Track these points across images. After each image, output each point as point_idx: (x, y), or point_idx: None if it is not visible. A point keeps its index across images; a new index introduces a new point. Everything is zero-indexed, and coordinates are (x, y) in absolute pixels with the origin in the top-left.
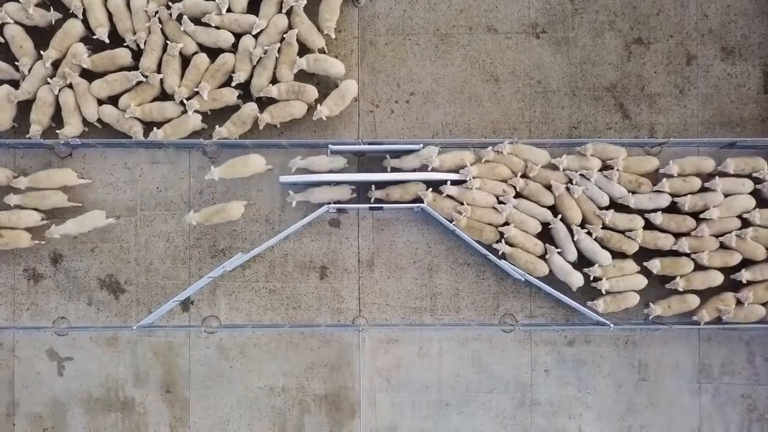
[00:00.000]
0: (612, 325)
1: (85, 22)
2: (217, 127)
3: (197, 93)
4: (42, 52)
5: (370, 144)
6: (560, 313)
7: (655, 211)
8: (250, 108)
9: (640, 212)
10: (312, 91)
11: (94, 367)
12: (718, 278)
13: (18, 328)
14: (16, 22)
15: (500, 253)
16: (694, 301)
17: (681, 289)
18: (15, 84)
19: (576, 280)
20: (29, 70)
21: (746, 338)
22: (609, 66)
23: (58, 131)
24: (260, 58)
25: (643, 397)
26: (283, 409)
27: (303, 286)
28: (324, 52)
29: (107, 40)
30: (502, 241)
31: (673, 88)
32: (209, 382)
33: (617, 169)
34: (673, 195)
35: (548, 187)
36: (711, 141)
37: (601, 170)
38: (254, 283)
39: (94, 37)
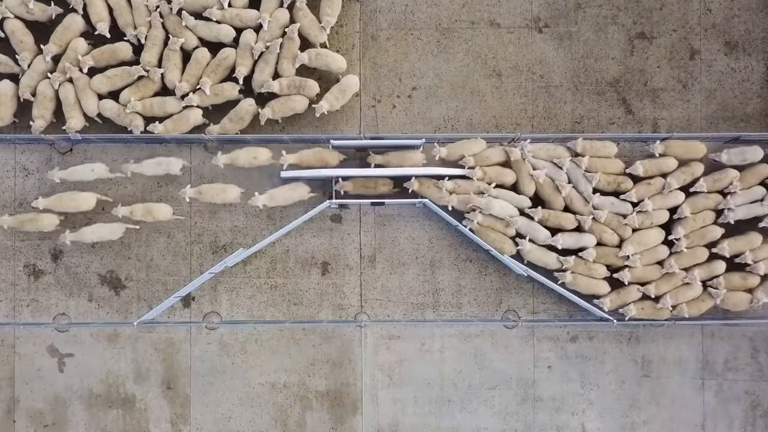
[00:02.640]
0: (615, 321)
1: (85, 17)
2: (211, 125)
3: (199, 88)
4: (42, 46)
5: (371, 139)
6: (563, 309)
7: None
8: (248, 104)
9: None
10: (313, 86)
11: (94, 364)
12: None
13: (18, 324)
14: (17, 17)
15: (468, 228)
16: (664, 303)
17: (567, 282)
18: (14, 78)
19: (543, 235)
20: (29, 65)
21: (750, 334)
22: (612, 61)
23: (64, 127)
24: (262, 52)
25: (646, 394)
26: (284, 405)
27: (304, 282)
28: (326, 47)
29: (108, 35)
30: (472, 214)
31: (676, 83)
32: (210, 378)
33: (598, 172)
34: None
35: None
36: (714, 136)
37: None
38: (255, 279)
39: (95, 32)
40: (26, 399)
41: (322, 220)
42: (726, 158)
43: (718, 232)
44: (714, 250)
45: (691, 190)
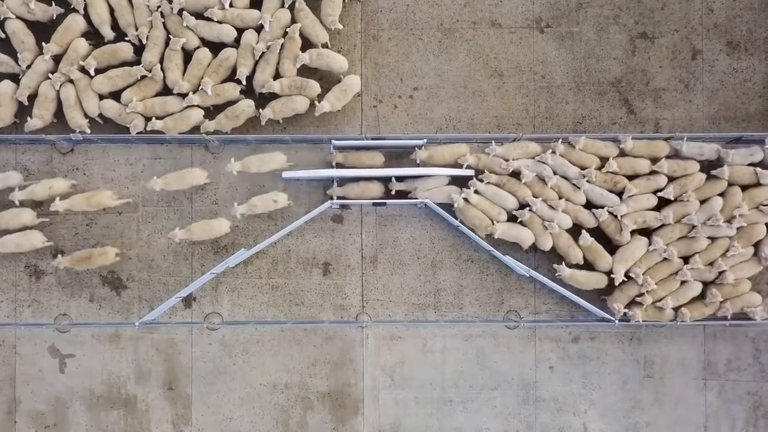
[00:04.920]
0: (617, 321)
1: (86, 17)
2: (206, 121)
3: (200, 88)
4: (44, 44)
5: (373, 139)
6: (565, 310)
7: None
8: (247, 105)
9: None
10: (314, 86)
11: (96, 364)
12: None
13: (19, 324)
14: (18, 17)
15: (454, 207)
16: (668, 308)
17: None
18: (15, 78)
19: (511, 203)
20: (30, 65)
21: (752, 335)
22: (614, 61)
23: (77, 131)
24: (263, 53)
25: (648, 394)
26: (286, 406)
27: (306, 282)
28: (327, 47)
29: (111, 36)
30: (460, 195)
31: (678, 83)
32: (212, 378)
33: (594, 168)
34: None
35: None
36: (717, 136)
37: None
38: (257, 280)
39: (96, 32)
40: (27, 400)
41: (323, 221)
42: (684, 149)
43: (704, 243)
44: (686, 266)
45: (660, 194)
